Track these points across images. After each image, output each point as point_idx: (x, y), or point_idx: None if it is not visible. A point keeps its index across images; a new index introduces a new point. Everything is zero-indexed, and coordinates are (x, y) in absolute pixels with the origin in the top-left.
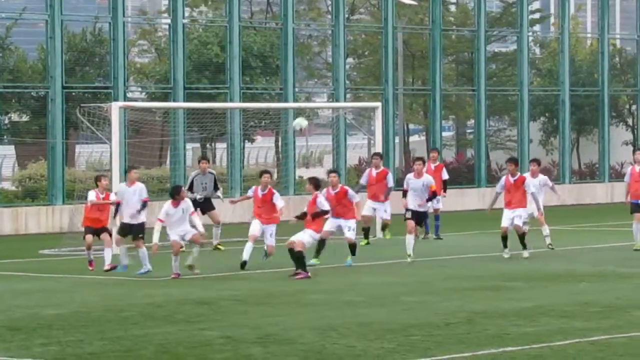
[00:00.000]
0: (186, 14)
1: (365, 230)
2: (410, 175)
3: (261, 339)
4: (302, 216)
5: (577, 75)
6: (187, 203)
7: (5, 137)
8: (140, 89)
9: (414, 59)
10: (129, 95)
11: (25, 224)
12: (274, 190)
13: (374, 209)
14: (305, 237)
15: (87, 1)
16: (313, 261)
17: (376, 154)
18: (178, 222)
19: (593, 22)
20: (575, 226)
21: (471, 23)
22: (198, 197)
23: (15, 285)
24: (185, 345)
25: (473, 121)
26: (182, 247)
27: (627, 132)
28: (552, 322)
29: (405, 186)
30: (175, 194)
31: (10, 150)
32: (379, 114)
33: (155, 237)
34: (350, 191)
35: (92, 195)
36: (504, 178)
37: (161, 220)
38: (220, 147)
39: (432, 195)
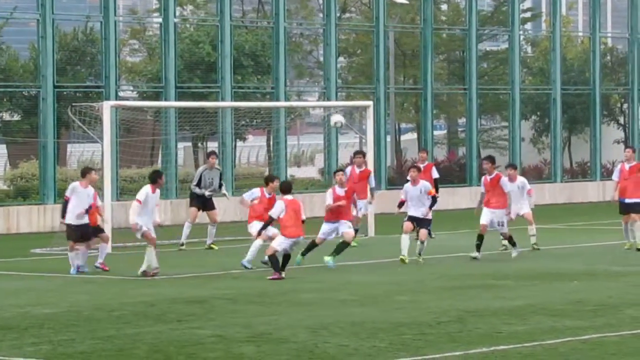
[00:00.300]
0: (177, 13)
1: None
2: (407, 185)
3: (253, 338)
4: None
5: (569, 74)
6: (158, 193)
7: None
8: (131, 88)
9: (405, 57)
10: (121, 94)
11: (16, 223)
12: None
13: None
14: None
15: (79, 0)
16: (326, 258)
17: (359, 152)
18: (150, 210)
19: (584, 20)
20: (567, 225)
21: (462, 22)
22: (207, 193)
23: (7, 284)
24: (177, 344)
25: (464, 120)
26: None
27: (619, 131)
28: (543, 321)
29: (403, 196)
30: (157, 178)
31: (1, 149)
32: (370, 113)
33: (133, 219)
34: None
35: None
36: (483, 178)
37: (139, 202)
38: (212, 146)
39: (433, 201)
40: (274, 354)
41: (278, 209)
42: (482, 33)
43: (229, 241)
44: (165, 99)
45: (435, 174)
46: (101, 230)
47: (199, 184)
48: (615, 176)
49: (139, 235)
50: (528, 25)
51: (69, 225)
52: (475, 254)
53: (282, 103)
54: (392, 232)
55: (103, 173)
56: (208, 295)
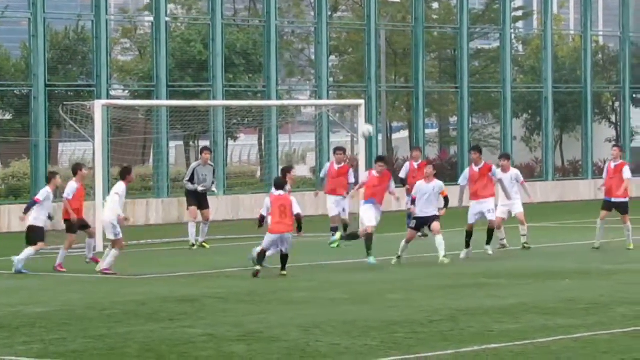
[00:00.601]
0: (169, 12)
1: (334, 229)
2: (420, 182)
3: (244, 337)
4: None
5: (560, 73)
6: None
7: None
8: (123, 87)
9: (396, 56)
10: (112, 93)
11: (8, 222)
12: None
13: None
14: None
15: None
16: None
17: (339, 148)
18: (121, 206)
19: (576, 19)
20: (559, 223)
21: (454, 20)
22: (200, 188)
23: None
24: (169, 343)
25: (456, 118)
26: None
27: (610, 129)
28: (535, 319)
29: (414, 193)
30: (127, 174)
31: None
32: (362, 111)
33: (119, 210)
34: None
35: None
36: (467, 169)
37: (119, 195)
38: (203, 144)
39: (446, 201)
40: (265, 352)
41: (264, 206)
42: (474, 31)
43: (220, 240)
44: (157, 98)
45: None
46: (87, 226)
47: (191, 180)
48: (605, 174)
49: (112, 235)
50: (519, 24)
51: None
52: (464, 252)
53: (273, 102)
54: (383, 230)
55: (94, 172)
56: (199, 294)
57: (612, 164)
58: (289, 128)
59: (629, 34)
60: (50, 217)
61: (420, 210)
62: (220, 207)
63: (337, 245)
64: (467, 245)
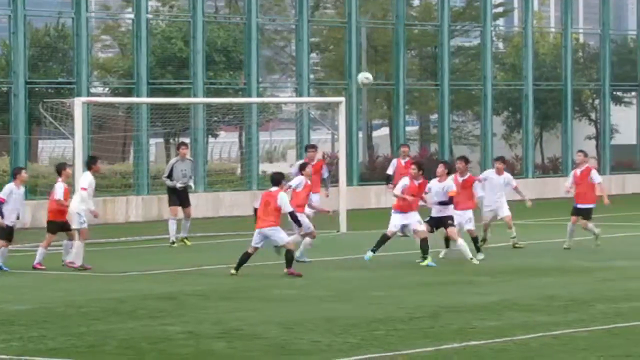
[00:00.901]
0: (150, 8)
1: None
2: (433, 180)
3: (224, 334)
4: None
5: (541, 70)
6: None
7: None
8: (103, 85)
9: (377, 53)
10: (92, 90)
11: None
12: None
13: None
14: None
15: None
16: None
17: (311, 145)
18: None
19: (556, 16)
20: (539, 220)
21: (434, 17)
22: (179, 185)
23: None
24: (148, 340)
25: (436, 116)
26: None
27: (590, 127)
28: (516, 316)
29: (427, 190)
30: (93, 163)
31: None
32: (342, 108)
33: (90, 204)
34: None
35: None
36: (453, 177)
37: (85, 189)
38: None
39: (448, 201)
40: (245, 350)
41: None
42: (454, 29)
43: (200, 237)
44: (137, 95)
45: None
46: (69, 228)
47: (170, 176)
48: (568, 183)
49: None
50: (500, 21)
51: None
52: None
53: (254, 99)
54: (364, 227)
55: (74, 169)
56: (179, 292)
57: (578, 171)
58: (270, 125)
59: (609, 31)
60: (17, 217)
61: (435, 211)
62: (200, 204)
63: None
64: (447, 246)
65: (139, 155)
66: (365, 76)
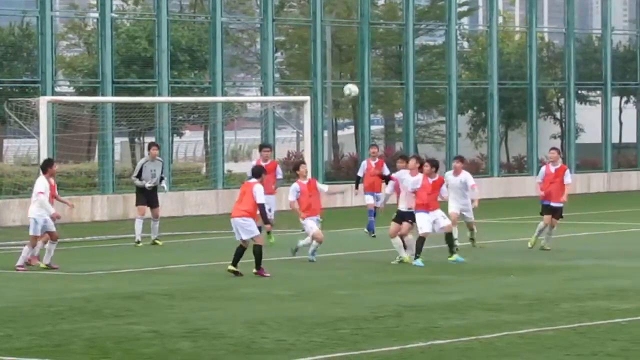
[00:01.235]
0: (114, 7)
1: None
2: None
3: (190, 333)
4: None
5: (505, 69)
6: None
7: None
8: (68, 83)
9: (342, 52)
10: (57, 89)
11: None
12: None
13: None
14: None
15: None
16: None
17: (265, 145)
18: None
19: (521, 15)
20: (504, 219)
21: (399, 16)
22: (147, 185)
23: None
24: (114, 339)
25: (401, 115)
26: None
27: (556, 126)
28: (481, 315)
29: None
30: (49, 166)
31: None
32: (307, 108)
33: (50, 207)
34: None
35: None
36: (420, 176)
37: (42, 193)
38: (149, 141)
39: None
40: (210, 349)
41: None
42: (419, 28)
43: (165, 237)
44: (102, 94)
45: (386, 171)
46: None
47: (139, 176)
48: (539, 178)
49: (32, 231)
50: (465, 20)
51: None
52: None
53: (219, 98)
54: (330, 227)
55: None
56: (144, 291)
57: (552, 168)
58: (235, 124)
59: (573, 30)
60: None
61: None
62: (166, 203)
63: (271, 244)
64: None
65: (104, 154)
66: (351, 89)
